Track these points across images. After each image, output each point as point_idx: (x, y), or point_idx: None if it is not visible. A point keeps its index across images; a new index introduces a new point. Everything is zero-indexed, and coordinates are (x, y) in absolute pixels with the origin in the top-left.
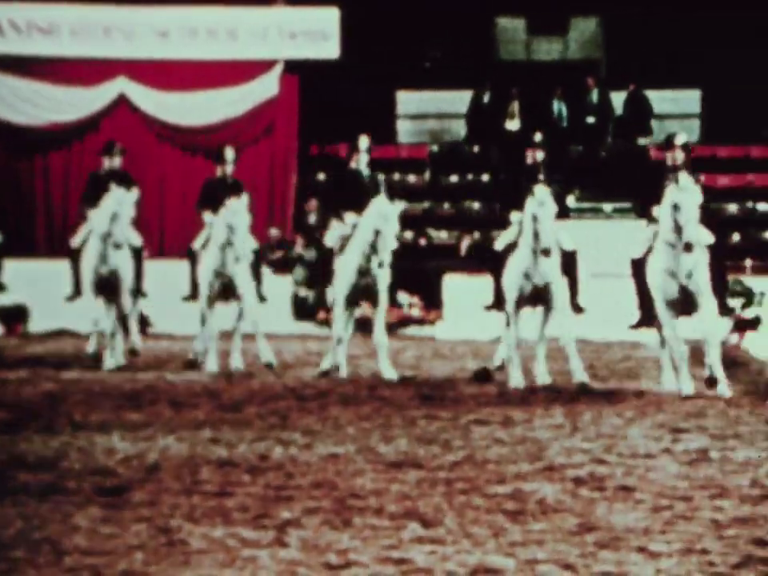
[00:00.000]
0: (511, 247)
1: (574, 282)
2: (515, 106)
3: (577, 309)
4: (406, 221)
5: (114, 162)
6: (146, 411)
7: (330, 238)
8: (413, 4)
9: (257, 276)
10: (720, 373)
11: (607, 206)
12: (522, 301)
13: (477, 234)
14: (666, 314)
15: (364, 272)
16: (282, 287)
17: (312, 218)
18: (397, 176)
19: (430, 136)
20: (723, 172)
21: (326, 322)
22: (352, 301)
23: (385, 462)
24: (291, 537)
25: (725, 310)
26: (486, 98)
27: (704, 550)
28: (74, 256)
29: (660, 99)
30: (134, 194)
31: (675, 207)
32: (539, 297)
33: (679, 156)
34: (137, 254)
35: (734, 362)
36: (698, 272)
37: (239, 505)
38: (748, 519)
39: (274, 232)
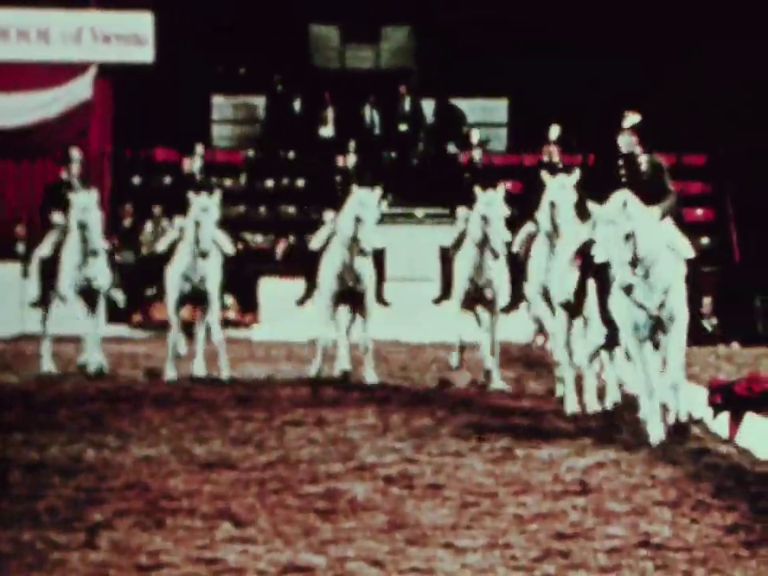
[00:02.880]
0: (325, 247)
1: (381, 278)
2: (329, 113)
3: (383, 302)
4: (222, 225)
5: (74, 170)
6: None
7: (318, 241)
8: (228, 10)
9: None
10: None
11: (419, 211)
12: (337, 299)
13: (292, 238)
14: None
15: (347, 271)
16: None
17: (127, 222)
18: (213, 180)
19: (245, 141)
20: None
21: (140, 325)
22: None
23: (198, 463)
24: (102, 539)
25: (702, 330)
26: (297, 105)
27: (507, 544)
28: (44, 264)
29: (470, 108)
30: (216, 198)
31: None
32: (354, 295)
33: (477, 155)
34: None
35: (539, 362)
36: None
37: (49, 507)
38: (549, 514)
39: None
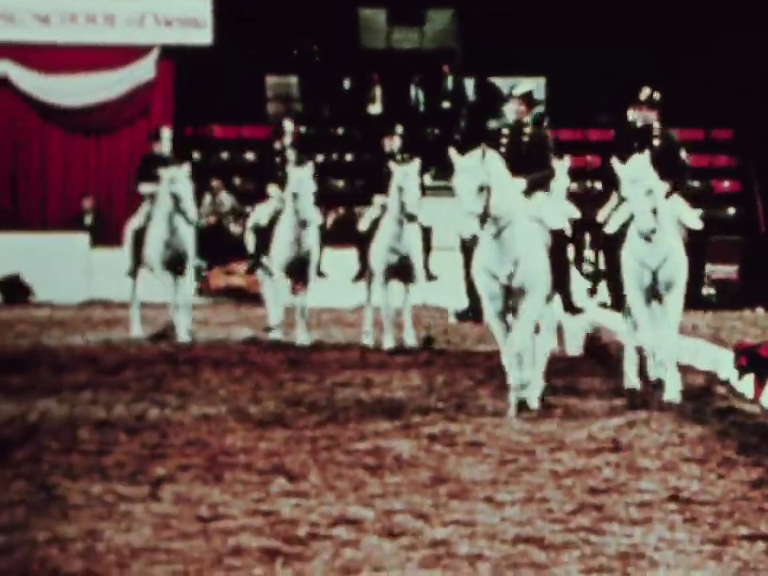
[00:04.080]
0: (375, 225)
1: (428, 252)
2: (377, 92)
3: (430, 276)
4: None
5: (164, 146)
6: (28, 375)
7: (366, 222)
8: None
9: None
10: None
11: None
12: (389, 272)
13: (341, 210)
14: None
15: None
16: None
17: None
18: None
19: (297, 118)
20: (565, 153)
21: (199, 292)
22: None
23: (254, 422)
24: (165, 492)
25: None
26: (346, 83)
27: (544, 498)
28: (137, 234)
29: (509, 86)
30: (309, 169)
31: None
32: (404, 267)
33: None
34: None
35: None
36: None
37: (116, 462)
38: (583, 470)
39: None
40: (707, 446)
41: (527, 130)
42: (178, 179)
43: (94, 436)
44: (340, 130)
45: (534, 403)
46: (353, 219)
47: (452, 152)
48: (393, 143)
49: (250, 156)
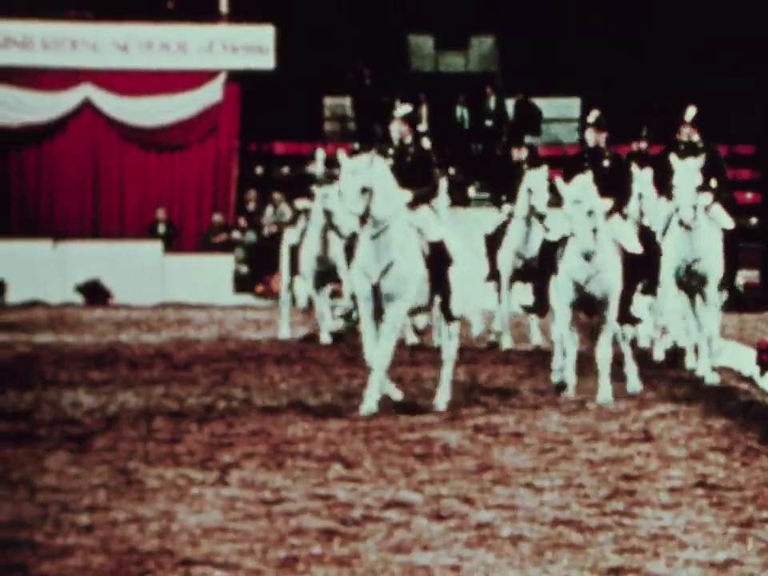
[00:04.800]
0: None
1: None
2: (423, 111)
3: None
4: None
5: (318, 166)
6: (107, 370)
7: (493, 226)
8: (338, 23)
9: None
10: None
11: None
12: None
13: None
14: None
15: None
16: (225, 265)
17: (251, 206)
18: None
19: (352, 135)
20: None
21: (262, 295)
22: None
23: (313, 413)
24: (232, 477)
25: (736, 293)
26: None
27: (580, 484)
28: (293, 252)
29: (546, 105)
30: (544, 171)
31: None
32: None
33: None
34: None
35: None
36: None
37: (188, 450)
38: (616, 459)
39: (217, 217)
40: (732, 436)
41: (411, 149)
42: (330, 196)
43: (167, 426)
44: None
45: (442, 406)
46: None
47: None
48: (521, 153)
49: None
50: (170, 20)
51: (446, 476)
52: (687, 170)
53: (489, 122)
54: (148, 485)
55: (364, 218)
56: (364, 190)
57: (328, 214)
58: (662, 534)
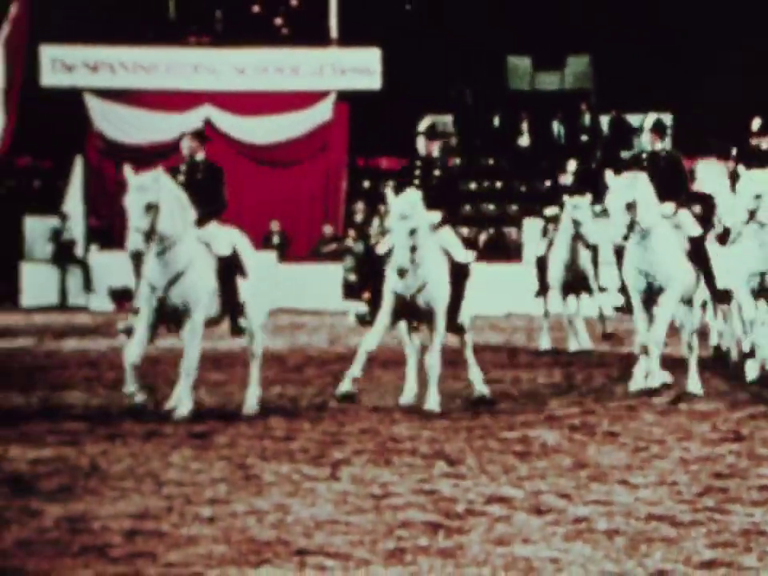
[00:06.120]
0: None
1: (597, 268)
2: (524, 127)
3: (600, 288)
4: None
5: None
6: (226, 372)
7: (541, 246)
8: (440, 45)
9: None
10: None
11: (597, 208)
12: (566, 288)
13: (491, 231)
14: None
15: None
16: (335, 273)
17: (359, 218)
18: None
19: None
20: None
21: (370, 302)
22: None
23: (418, 413)
24: (343, 473)
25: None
26: (496, 120)
27: (674, 482)
28: (540, 261)
29: (639, 121)
30: (588, 198)
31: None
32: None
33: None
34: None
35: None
36: None
37: (301, 447)
38: (708, 457)
39: (328, 229)
40: None
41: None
42: (580, 207)
43: (282, 424)
44: (491, 161)
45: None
46: (502, 239)
47: (608, 174)
48: (566, 178)
49: None
50: (283, 44)
51: (544, 473)
52: (403, 207)
53: (584, 138)
54: (265, 479)
55: (149, 235)
56: (149, 207)
57: (576, 224)
58: (752, 530)
